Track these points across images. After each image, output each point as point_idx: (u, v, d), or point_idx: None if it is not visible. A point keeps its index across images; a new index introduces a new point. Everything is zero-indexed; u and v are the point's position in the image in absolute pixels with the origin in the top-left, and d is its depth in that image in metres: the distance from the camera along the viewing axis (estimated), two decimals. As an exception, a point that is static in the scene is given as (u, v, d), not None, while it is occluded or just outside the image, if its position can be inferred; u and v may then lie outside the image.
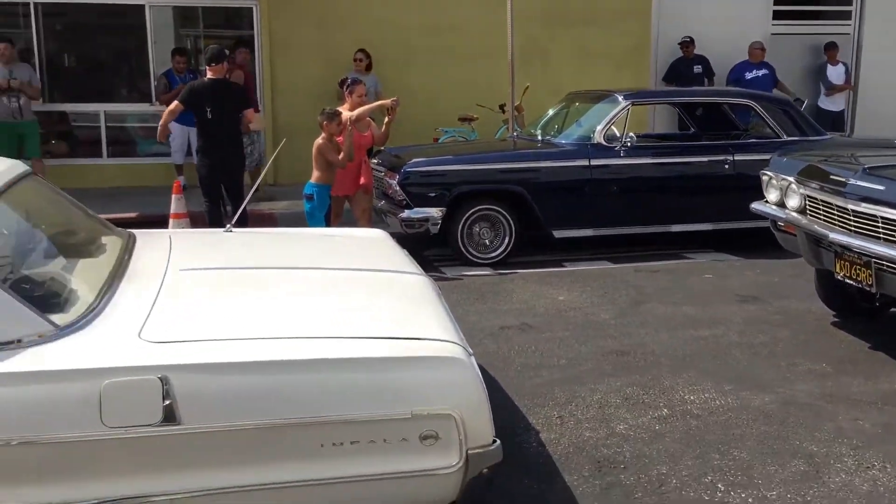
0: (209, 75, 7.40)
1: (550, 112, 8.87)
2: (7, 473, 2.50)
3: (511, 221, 7.47)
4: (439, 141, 10.53)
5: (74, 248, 3.45)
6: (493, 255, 7.49)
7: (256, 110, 9.68)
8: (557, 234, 7.63)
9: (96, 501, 2.59)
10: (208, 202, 7.43)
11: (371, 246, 4.09)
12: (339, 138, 6.72)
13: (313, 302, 3.25)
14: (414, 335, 2.96)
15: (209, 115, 7.18)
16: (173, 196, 7.68)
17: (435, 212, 7.31)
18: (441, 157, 8.08)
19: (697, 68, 11.72)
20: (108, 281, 3.06)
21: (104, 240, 3.55)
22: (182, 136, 10.27)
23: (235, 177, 7.49)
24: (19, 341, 2.56)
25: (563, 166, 7.63)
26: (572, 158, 7.64)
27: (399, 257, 3.95)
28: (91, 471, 2.56)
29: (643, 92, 9.46)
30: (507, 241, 7.50)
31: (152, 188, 9.88)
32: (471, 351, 3.00)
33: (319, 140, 6.75)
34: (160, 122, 7.45)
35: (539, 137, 8.33)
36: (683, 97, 9.45)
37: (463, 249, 7.45)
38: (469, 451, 2.82)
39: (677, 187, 7.86)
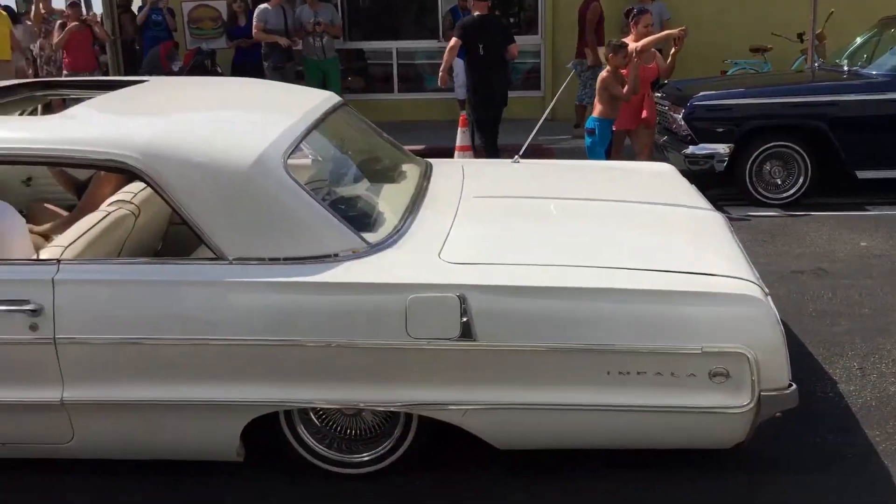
0: (475, 12, 7.52)
1: (859, 40, 8.00)
2: (325, 372, 2.80)
3: (807, 160, 6.92)
4: (728, 74, 9.93)
5: (380, 173, 3.72)
6: (785, 195, 7.00)
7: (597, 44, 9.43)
8: (861, 174, 6.94)
9: (400, 404, 2.84)
10: (483, 137, 7.65)
11: (659, 179, 4.00)
12: (624, 71, 6.57)
13: (604, 232, 3.25)
14: (707, 271, 2.87)
15: (481, 52, 7.35)
16: (459, 129, 7.99)
17: (722, 148, 6.95)
18: (731, 89, 7.62)
19: None
20: (409, 205, 3.27)
21: (405, 167, 3.78)
22: (465, 73, 10.60)
23: (501, 110, 7.66)
24: (336, 255, 2.83)
25: (873, 100, 6.87)
26: (885, 91, 6.85)
27: (688, 192, 3.83)
28: (395, 376, 2.80)
29: (978, 13, 8.20)
30: (801, 180, 6.96)
31: (437, 122, 10.34)
32: (767, 290, 2.86)
33: (604, 73, 6.64)
34: (442, 67, 7.71)
35: (844, 68, 7.57)
36: None
37: (751, 188, 7.03)
38: (761, 393, 2.72)
39: None
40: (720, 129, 6.98)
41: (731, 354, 2.70)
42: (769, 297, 2.82)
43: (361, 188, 3.52)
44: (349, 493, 3.05)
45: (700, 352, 2.70)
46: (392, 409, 2.88)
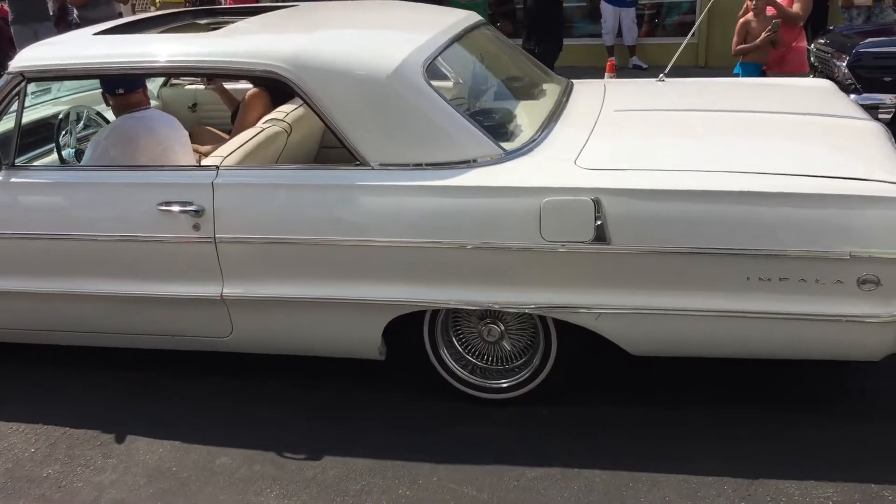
0: None
1: None
2: (461, 273, 2.89)
3: (979, 112, 6.31)
4: None
5: (519, 89, 3.75)
6: None
7: None
8: None
9: (533, 306, 2.89)
10: None
11: (815, 94, 3.80)
12: (772, 10, 6.14)
13: (746, 140, 3.14)
14: (859, 175, 2.72)
15: None
16: (606, 75, 7.84)
17: (888, 98, 6.41)
18: None
19: None
20: (548, 118, 3.28)
21: (545, 85, 3.79)
22: (613, 18, 10.38)
23: None
24: (475, 161, 2.90)
25: None
26: None
27: (846, 105, 3.62)
28: (527, 278, 2.85)
29: None
30: (971, 134, 6.37)
31: (584, 67, 10.17)
32: (927, 198, 2.68)
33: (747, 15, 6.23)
34: None
35: None
36: None
37: None
38: (916, 302, 2.58)
39: None
40: (887, 78, 6.45)
41: (883, 260, 2.58)
42: (929, 204, 2.65)
43: (499, 100, 3.56)
44: (479, 417, 3.17)
45: (848, 257, 2.59)
46: (526, 310, 2.93)
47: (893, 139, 3.21)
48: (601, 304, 2.82)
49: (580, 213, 2.72)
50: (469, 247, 2.83)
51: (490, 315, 3.13)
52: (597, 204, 2.70)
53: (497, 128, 3.14)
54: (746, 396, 3.18)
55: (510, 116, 3.35)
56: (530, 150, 2.99)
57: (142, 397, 3.43)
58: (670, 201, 2.71)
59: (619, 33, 10.52)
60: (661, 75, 4.05)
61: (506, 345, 3.16)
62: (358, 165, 2.95)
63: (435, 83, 3.04)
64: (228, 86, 4.64)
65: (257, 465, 2.97)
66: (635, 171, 2.83)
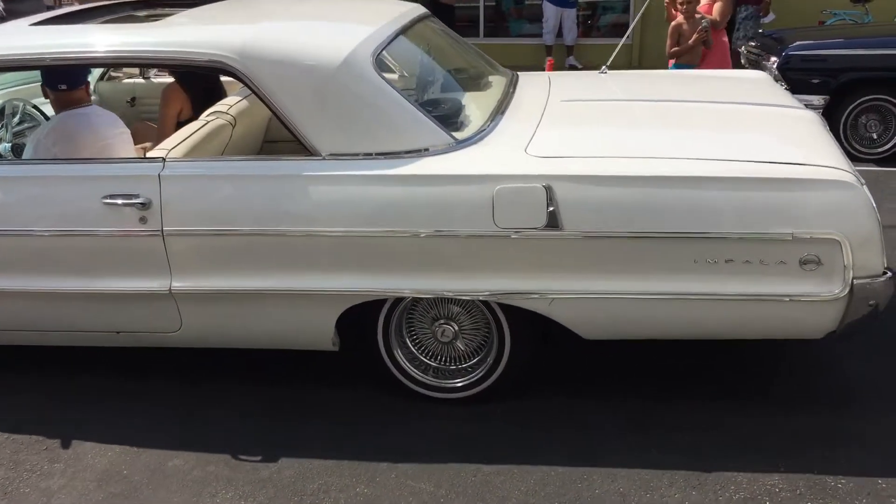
0: None
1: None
2: (414, 262, 2.89)
3: (905, 114, 6.60)
4: (826, 24, 9.51)
5: (466, 80, 3.77)
6: (880, 150, 6.69)
7: None
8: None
9: (488, 293, 2.90)
10: None
11: (751, 85, 3.92)
12: (703, 8, 6.31)
13: (691, 129, 3.22)
14: (798, 160, 2.82)
15: None
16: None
17: (816, 100, 6.64)
18: (828, 40, 7.27)
19: None
20: (496, 108, 3.31)
21: (491, 77, 3.83)
22: (555, 18, 10.52)
23: None
24: (426, 150, 2.90)
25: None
26: None
27: (781, 95, 3.74)
28: (481, 265, 2.87)
29: None
30: (897, 135, 6.66)
31: (523, 67, 10.24)
32: (863, 180, 2.79)
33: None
34: None
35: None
36: None
37: (845, 142, 6.74)
38: (854, 281, 2.68)
39: None
40: (815, 80, 6.68)
41: (823, 241, 2.66)
42: (865, 186, 2.75)
43: (448, 91, 3.58)
44: (435, 414, 3.17)
45: (790, 238, 2.67)
46: (480, 297, 2.94)
47: (827, 127, 3.34)
48: (554, 289, 2.85)
49: (532, 199, 2.74)
50: (422, 235, 2.83)
51: (444, 316, 3.13)
52: (548, 191, 2.74)
53: (447, 117, 3.15)
54: (691, 388, 3.23)
55: (459, 106, 3.37)
56: (481, 138, 3.00)
57: (88, 400, 3.33)
58: (620, 187, 2.76)
59: (559, 33, 10.66)
60: (604, 67, 4.12)
61: (460, 345, 3.16)
62: (308, 156, 2.93)
63: (384, 74, 3.03)
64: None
65: (211, 467, 2.92)
66: (585, 158, 2.87)
